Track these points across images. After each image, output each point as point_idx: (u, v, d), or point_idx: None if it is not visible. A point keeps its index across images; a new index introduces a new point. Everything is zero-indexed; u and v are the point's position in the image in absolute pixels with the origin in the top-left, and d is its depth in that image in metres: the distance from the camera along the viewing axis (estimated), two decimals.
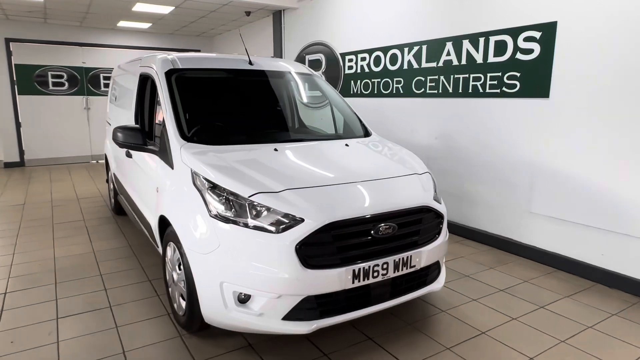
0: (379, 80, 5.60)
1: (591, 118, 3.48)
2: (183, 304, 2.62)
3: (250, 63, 3.67)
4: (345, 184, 2.51)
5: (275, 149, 2.89)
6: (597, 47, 3.39)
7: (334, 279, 2.24)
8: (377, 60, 5.60)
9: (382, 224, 2.36)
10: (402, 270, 2.46)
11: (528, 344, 2.62)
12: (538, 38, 3.78)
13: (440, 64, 4.74)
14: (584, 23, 3.45)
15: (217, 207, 2.34)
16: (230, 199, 2.33)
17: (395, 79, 5.35)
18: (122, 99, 4.50)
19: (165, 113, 3.04)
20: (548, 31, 3.70)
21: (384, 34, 5.44)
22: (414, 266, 2.51)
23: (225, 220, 2.28)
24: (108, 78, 9.53)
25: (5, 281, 3.45)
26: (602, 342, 2.67)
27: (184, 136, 2.86)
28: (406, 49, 5.15)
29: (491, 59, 4.19)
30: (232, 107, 3.51)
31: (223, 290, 2.27)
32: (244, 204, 2.29)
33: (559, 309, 3.09)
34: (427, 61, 4.91)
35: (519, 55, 3.95)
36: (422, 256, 2.54)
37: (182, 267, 2.55)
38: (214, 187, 2.40)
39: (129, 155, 3.79)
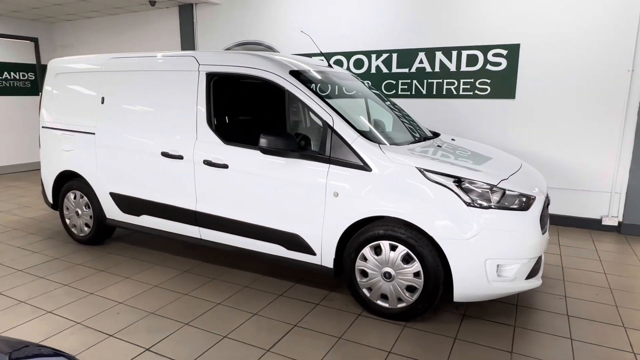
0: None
1: (547, 113, 5.04)
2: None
3: (330, 66, 3.80)
4: (519, 171, 3.19)
5: (439, 145, 3.29)
6: (550, 62, 4.94)
7: (546, 240, 2.96)
8: (339, 64, 6.11)
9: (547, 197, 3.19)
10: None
11: None
12: (505, 54, 5.14)
13: (413, 70, 5.67)
14: (541, 45, 4.96)
15: (472, 197, 2.69)
16: (482, 188, 2.72)
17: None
18: (149, 100, 3.78)
19: (331, 115, 3.02)
20: (513, 50, 5.09)
21: (348, 40, 5.99)
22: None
23: (483, 207, 2.68)
24: None
25: None
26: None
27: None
28: (374, 56, 5.87)
29: (464, 68, 5.37)
30: (358, 109, 3.62)
31: (486, 267, 2.67)
32: (495, 191, 2.72)
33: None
34: (398, 67, 5.76)
35: (489, 67, 5.24)
36: None
37: (415, 260, 2.76)
38: (460, 181, 2.73)
39: (214, 164, 3.38)
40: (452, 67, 5.43)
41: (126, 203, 3.96)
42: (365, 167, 2.91)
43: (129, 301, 3.22)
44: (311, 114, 3.96)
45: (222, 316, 3.02)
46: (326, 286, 3.48)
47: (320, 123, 3.14)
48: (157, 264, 3.94)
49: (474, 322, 2.95)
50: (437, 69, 5.53)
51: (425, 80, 5.62)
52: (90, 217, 4.27)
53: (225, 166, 3.37)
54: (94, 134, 4.06)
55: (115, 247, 4.37)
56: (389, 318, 2.97)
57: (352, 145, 2.95)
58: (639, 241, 4.67)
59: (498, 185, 2.75)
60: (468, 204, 2.68)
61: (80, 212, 4.34)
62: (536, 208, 2.81)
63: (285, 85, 3.18)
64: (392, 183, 2.83)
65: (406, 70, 5.72)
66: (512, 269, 2.74)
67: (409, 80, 5.72)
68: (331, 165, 3.00)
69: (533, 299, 3.29)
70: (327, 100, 3.15)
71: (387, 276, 2.90)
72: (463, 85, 5.42)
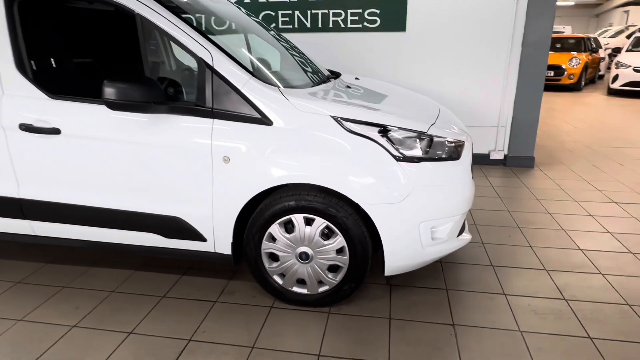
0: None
1: (437, 46, 4.75)
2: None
3: None
4: (440, 113, 2.73)
5: (349, 87, 2.64)
6: None
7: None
8: None
9: None
10: None
11: None
12: None
13: None
14: None
15: (402, 150, 2.16)
16: (411, 138, 2.19)
17: None
18: None
19: (209, 50, 2.16)
20: None
21: None
22: None
23: (415, 159, 2.17)
24: None
25: None
26: None
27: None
28: None
29: None
30: (240, 43, 2.71)
31: (420, 232, 2.22)
32: (423, 139, 2.22)
33: None
34: None
35: None
36: None
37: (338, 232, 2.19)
38: (386, 130, 2.16)
39: (38, 130, 2.30)
40: None
41: None
42: (263, 120, 2.16)
43: None
44: (179, 52, 3.02)
45: (80, 345, 2.13)
46: (222, 274, 2.76)
47: (193, 64, 2.27)
48: None
49: (403, 292, 2.55)
50: None
51: (309, 11, 4.87)
52: None
53: (56, 131, 2.31)
54: None
55: None
56: (308, 306, 2.41)
57: (243, 90, 2.16)
58: (523, 172, 4.81)
59: (427, 132, 2.26)
60: (398, 159, 2.14)
61: None
62: (467, 155, 2.40)
63: (139, 9, 2.18)
64: (301, 139, 2.14)
65: None
66: (445, 229, 2.34)
67: (291, 11, 4.91)
68: (216, 120, 2.19)
69: (455, 251, 3.03)
70: (201, 30, 2.26)
71: (304, 257, 2.29)
72: (351, 16, 4.81)
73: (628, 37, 17.16)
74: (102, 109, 2.24)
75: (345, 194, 2.14)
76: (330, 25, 4.87)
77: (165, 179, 2.29)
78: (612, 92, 11.10)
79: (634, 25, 18.54)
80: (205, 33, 2.24)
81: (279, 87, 2.25)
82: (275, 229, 2.27)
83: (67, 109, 2.31)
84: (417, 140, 2.21)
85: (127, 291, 2.59)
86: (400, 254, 2.25)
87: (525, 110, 4.80)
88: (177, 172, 2.26)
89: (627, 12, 24.87)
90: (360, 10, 4.77)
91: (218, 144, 2.18)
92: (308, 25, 4.90)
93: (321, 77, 2.91)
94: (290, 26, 4.94)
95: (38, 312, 2.40)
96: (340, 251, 2.26)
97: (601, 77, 14.62)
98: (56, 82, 2.52)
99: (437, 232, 2.32)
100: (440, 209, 2.25)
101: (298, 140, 2.14)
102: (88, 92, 2.36)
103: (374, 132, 2.15)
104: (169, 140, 2.22)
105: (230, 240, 2.34)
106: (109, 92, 2.04)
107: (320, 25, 4.89)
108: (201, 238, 2.37)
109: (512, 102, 4.83)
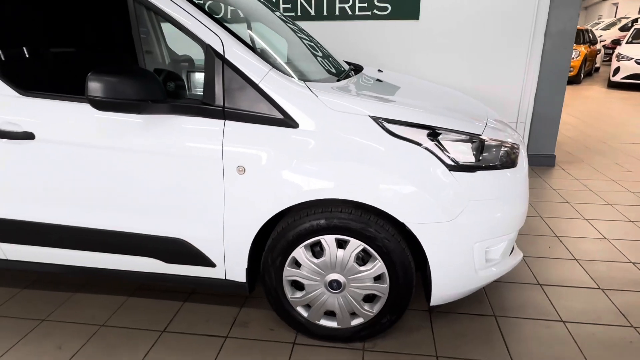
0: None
1: (453, 36, 4.37)
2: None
3: None
4: (487, 112, 2.36)
5: (379, 80, 2.25)
6: None
7: None
8: None
9: None
10: None
11: None
12: None
13: None
14: None
15: (455, 156, 1.78)
16: (464, 142, 1.82)
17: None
18: None
19: (219, 35, 1.75)
20: None
21: None
22: None
23: (470, 168, 1.80)
24: None
25: None
26: None
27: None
28: None
29: None
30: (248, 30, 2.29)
31: (474, 254, 1.86)
32: (475, 142, 1.85)
33: None
34: None
35: None
36: None
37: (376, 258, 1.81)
38: (435, 134, 1.78)
39: (6, 134, 1.87)
40: None
41: None
42: (287, 122, 1.76)
43: None
44: (176, 38, 2.60)
45: None
46: (231, 300, 2.36)
47: (197, 54, 1.86)
48: None
49: (446, 320, 2.19)
50: None
51: None
52: None
53: (28, 136, 1.88)
54: None
55: None
56: (338, 341, 2.04)
57: (261, 85, 1.76)
58: (545, 172, 4.49)
59: (482, 135, 1.88)
60: (451, 168, 1.77)
61: None
62: (523, 161, 2.04)
63: None
64: (333, 145, 1.75)
65: None
66: (499, 248, 1.98)
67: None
68: (227, 122, 1.79)
69: None
70: (207, 11, 1.85)
71: (335, 286, 1.91)
72: (360, 3, 4.40)
73: (621, 29, 17.07)
74: (86, 108, 1.82)
75: (388, 211, 1.75)
76: (337, 13, 4.45)
77: (165, 193, 1.88)
78: (613, 85, 10.89)
79: (627, 18, 18.45)
80: (211, 14, 1.83)
81: (305, 80, 1.85)
82: (300, 252, 1.88)
83: (43, 108, 1.88)
84: (471, 144, 1.84)
85: (120, 324, 2.18)
86: (451, 280, 1.88)
87: (546, 105, 4.47)
88: (180, 185, 1.85)
89: (616, 4, 24.87)
90: None
91: (230, 151, 1.78)
92: (312, 12, 4.48)
93: (343, 70, 2.51)
94: (293, 13, 4.51)
95: (11, 356, 1.98)
96: (378, 278, 1.88)
97: (597, 69, 14.45)
98: (29, 76, 2.09)
99: (491, 253, 1.96)
100: (497, 226, 1.89)
101: (330, 146, 1.75)
102: (68, 88, 1.94)
103: (422, 136, 1.77)
104: (170, 146, 1.81)
105: (245, 265, 1.94)
106: (95, 87, 1.62)
107: (325, 13, 4.47)
108: (209, 263, 1.97)
109: (532, 97, 4.48)
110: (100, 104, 1.64)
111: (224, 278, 2.00)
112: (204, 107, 1.78)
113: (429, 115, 1.86)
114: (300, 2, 4.47)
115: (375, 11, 4.40)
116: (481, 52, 4.39)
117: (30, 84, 1.93)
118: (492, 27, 4.29)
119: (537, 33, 4.27)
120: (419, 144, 1.75)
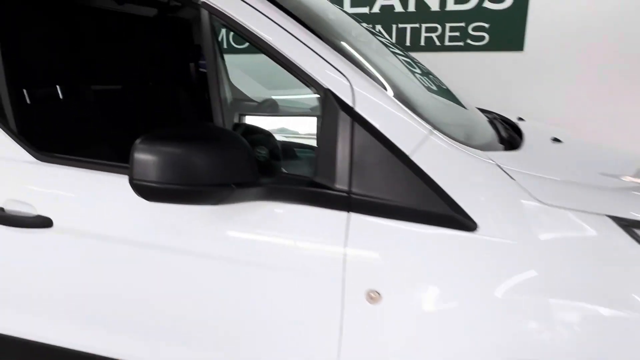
0: None
1: (566, 70, 3.59)
2: None
3: None
4: None
5: (557, 140, 1.50)
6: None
7: None
8: None
9: None
10: None
11: None
12: None
13: (375, 9, 3.82)
14: None
15: None
16: None
17: None
18: None
19: (345, 74, 1.06)
20: None
21: None
22: None
23: None
24: None
25: None
26: None
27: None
28: None
29: (451, 6, 3.65)
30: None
31: None
32: None
33: None
34: (353, 5, 3.87)
35: (487, 4, 3.58)
36: None
37: None
38: None
39: (11, 221, 1.24)
40: (434, 4, 3.68)
41: None
42: (460, 221, 1.03)
43: None
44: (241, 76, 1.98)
45: None
46: None
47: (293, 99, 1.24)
48: None
49: None
50: (411, 7, 3.74)
51: (394, 25, 3.81)
52: None
53: (45, 223, 1.24)
54: None
55: None
56: None
57: (414, 158, 1.05)
58: None
59: None
60: None
61: None
62: None
63: (222, 3, 1.12)
64: (546, 265, 1.00)
65: (366, 9, 3.86)
66: None
67: (371, 26, 3.85)
68: (353, 215, 1.07)
69: None
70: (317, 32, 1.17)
71: None
72: (450, 32, 3.71)
73: None
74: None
75: None
76: (422, 43, 3.79)
77: (247, 323, 1.17)
78: None
79: None
80: (338, 42, 1.16)
81: (492, 151, 1.12)
82: None
83: (67, 181, 1.24)
84: None
85: None
86: None
87: None
88: (270, 311, 1.15)
89: None
90: (462, 24, 3.67)
91: (358, 264, 1.06)
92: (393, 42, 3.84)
93: (499, 128, 1.73)
94: None
95: None
96: None
97: None
98: (56, 130, 1.48)
99: None
100: None
101: (540, 266, 0.99)
102: (109, 149, 1.31)
103: None
104: (259, 251, 1.11)
105: None
106: (144, 165, 0.94)
107: (408, 43, 3.82)
108: None
109: None
110: (154, 193, 0.96)
111: None
112: (318, 191, 1.08)
113: None
114: (379, 31, 3.84)
115: (468, 41, 3.69)
116: (602, 86, 3.57)
117: (50, 142, 1.30)
118: (616, 60, 3.48)
119: None
120: None
